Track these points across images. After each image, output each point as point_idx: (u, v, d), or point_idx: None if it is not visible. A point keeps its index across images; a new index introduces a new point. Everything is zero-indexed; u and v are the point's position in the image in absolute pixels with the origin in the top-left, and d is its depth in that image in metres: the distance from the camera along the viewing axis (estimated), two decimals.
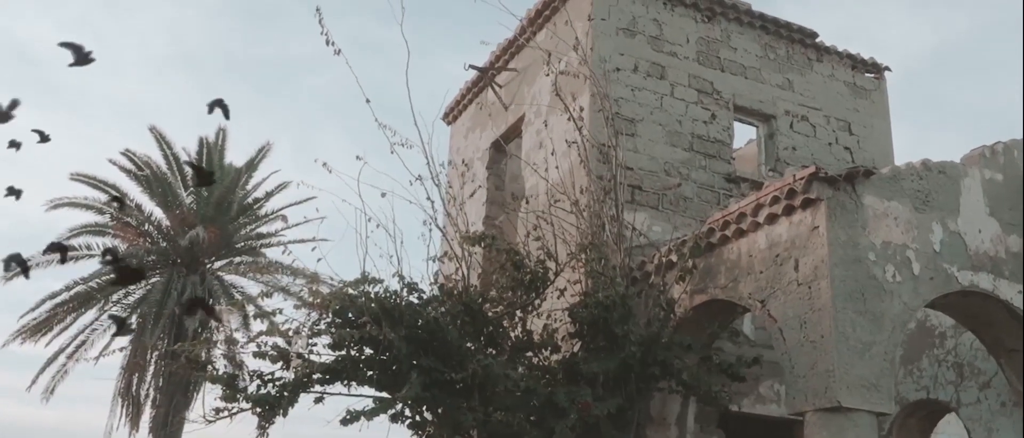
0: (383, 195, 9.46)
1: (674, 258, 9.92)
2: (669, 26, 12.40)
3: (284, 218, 22.70)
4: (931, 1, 47.05)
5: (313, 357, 9.16)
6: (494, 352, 9.15)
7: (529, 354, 9.46)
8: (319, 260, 9.06)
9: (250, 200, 23.14)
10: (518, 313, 9.16)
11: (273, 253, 22.71)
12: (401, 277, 8.85)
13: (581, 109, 10.37)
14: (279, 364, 9.29)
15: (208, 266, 22.67)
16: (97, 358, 20.58)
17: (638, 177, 11.22)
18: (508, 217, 12.39)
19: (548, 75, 10.63)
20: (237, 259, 22.71)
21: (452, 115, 15.59)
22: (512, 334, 9.20)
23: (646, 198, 11.25)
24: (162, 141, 22.72)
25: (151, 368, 22.27)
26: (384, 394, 9.03)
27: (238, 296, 22.32)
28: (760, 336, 11.00)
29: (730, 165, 12.13)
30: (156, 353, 21.84)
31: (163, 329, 21.11)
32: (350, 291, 9.13)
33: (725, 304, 9.53)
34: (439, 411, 8.91)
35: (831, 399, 7.76)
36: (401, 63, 54.30)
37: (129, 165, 22.18)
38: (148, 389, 22.30)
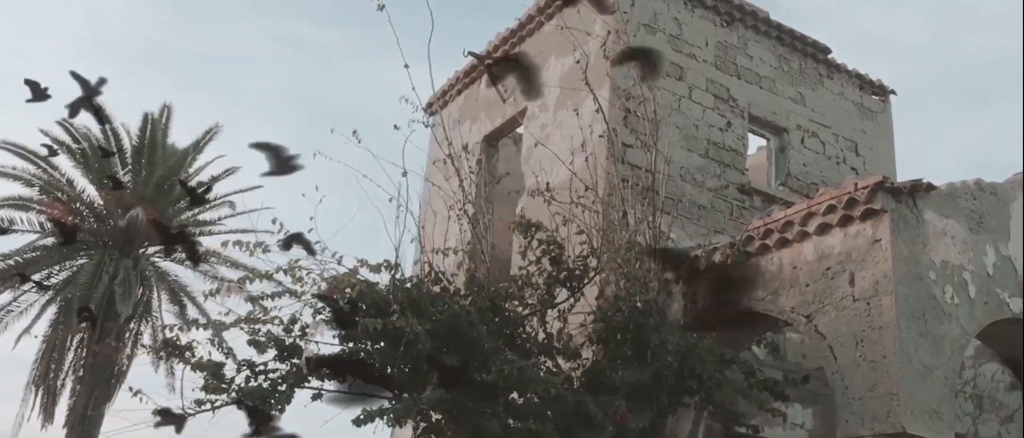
0: (404, 174, 8.62)
1: (701, 266, 9.34)
2: (689, 27, 11.87)
3: (231, 204, 21.40)
4: (874, 51, 48.13)
5: (312, 347, 8.25)
6: (512, 354, 8.36)
7: (544, 359, 8.69)
8: (317, 243, 8.08)
9: (193, 183, 21.72)
10: (547, 313, 8.37)
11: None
12: (430, 265, 8.00)
13: (627, 97, 9.69)
14: (269, 354, 8.35)
15: (142, 251, 21.21)
16: (17, 340, 18.93)
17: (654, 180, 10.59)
18: (502, 214, 11.61)
19: (578, 62, 9.93)
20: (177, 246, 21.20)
21: (437, 106, 14.72)
22: (537, 334, 8.41)
23: (661, 203, 10.63)
24: (101, 113, 21.15)
25: (70, 356, 20.77)
26: (387, 392, 8.14)
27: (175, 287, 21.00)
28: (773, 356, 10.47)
29: (744, 175, 11.64)
30: (78, 339, 20.39)
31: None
32: (347, 278, 8.23)
33: (759, 317, 8.97)
34: (453, 413, 8.07)
35: (895, 424, 7.24)
36: (339, 66, 52.89)
37: (64, 136, 20.58)
38: (64, 379, 20.77)
